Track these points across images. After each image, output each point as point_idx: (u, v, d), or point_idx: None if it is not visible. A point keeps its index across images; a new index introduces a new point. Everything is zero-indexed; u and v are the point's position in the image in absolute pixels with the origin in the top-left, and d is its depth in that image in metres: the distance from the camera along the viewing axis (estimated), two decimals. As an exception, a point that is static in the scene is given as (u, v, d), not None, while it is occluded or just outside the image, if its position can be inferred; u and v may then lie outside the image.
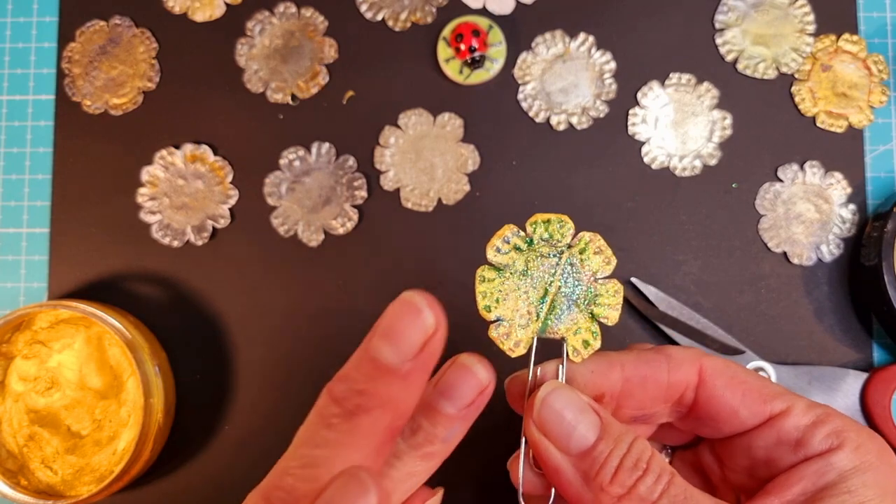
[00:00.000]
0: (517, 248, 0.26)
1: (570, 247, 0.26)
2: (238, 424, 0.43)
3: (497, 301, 0.26)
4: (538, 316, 0.26)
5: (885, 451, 0.26)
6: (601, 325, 0.26)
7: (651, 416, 0.28)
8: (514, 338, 0.26)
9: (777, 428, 0.26)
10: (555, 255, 0.26)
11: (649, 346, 0.29)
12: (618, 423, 0.25)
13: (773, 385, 0.27)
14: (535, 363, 0.26)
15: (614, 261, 0.27)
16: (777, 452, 0.26)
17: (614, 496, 0.23)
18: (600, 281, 0.26)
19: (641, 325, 0.42)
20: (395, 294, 0.45)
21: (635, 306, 0.42)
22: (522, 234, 0.27)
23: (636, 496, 0.23)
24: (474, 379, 0.24)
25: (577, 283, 0.26)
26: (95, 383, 0.41)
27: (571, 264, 0.26)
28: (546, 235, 0.26)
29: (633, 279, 0.42)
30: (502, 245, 0.26)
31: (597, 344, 0.26)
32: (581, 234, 0.27)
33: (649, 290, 0.42)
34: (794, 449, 0.26)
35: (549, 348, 0.27)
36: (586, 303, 0.26)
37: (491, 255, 0.26)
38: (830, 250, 0.43)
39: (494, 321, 0.26)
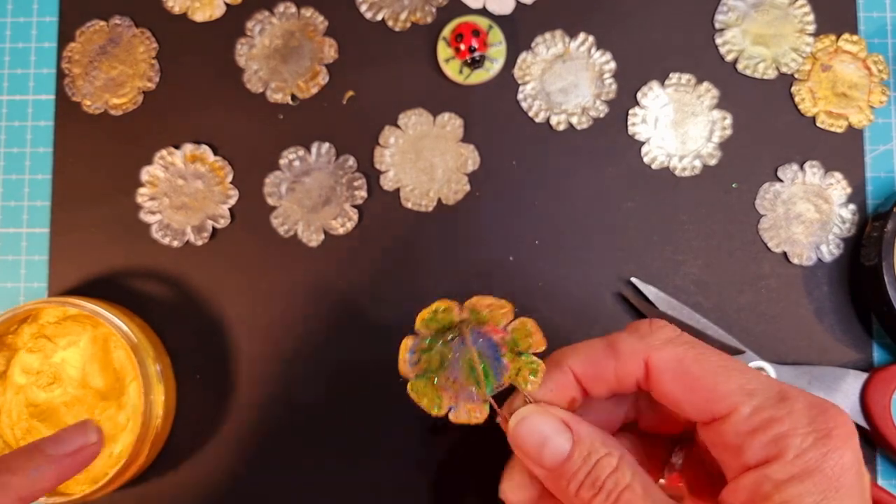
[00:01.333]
0: (424, 351, 0.28)
1: (462, 321, 0.28)
2: (238, 424, 0.43)
3: (439, 398, 0.28)
4: (479, 384, 0.28)
5: (834, 452, 0.24)
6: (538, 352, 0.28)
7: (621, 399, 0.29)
8: (473, 411, 0.28)
9: (719, 432, 0.25)
10: (457, 335, 0.28)
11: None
12: (591, 438, 0.26)
13: (729, 380, 0.25)
14: (501, 408, 0.28)
15: (528, 323, 0.29)
16: (723, 456, 0.25)
17: None
18: (508, 328, 0.28)
19: (641, 325, 0.42)
20: (394, 294, 0.45)
21: (635, 306, 0.42)
22: (420, 338, 0.28)
23: None
24: (82, 436, 0.33)
25: (489, 341, 0.28)
26: (97, 383, 0.41)
27: (475, 332, 0.28)
28: (440, 326, 0.28)
29: (633, 279, 0.42)
30: (411, 357, 0.28)
31: (543, 366, 0.28)
32: (513, 322, 0.29)
33: (649, 290, 0.42)
34: (735, 456, 0.25)
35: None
36: (509, 349, 0.28)
37: (407, 371, 0.28)
38: (830, 250, 0.43)
39: (448, 412, 0.28)
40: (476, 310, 0.28)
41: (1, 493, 0.29)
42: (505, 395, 0.29)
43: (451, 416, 0.28)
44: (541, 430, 0.26)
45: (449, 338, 0.28)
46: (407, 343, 0.28)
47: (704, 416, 0.26)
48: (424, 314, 0.28)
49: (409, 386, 0.28)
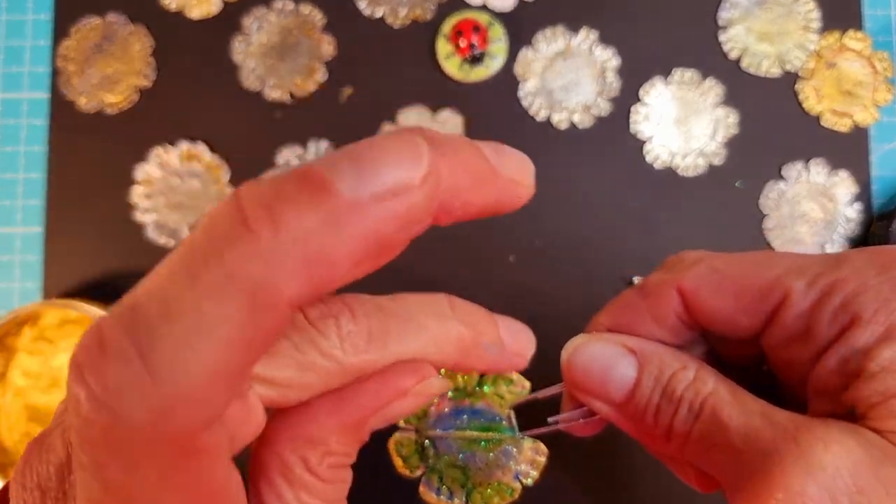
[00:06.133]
0: (441, 480, 0.26)
1: (417, 434, 0.26)
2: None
3: (499, 485, 0.26)
4: (499, 441, 0.25)
5: None
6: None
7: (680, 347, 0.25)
8: (534, 458, 0.26)
9: (782, 325, 0.21)
10: (429, 444, 0.26)
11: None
12: (659, 355, 0.22)
13: (770, 268, 0.21)
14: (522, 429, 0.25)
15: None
16: (793, 353, 0.21)
17: (660, 439, 0.22)
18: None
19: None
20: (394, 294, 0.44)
21: (638, 307, 0.42)
22: (427, 477, 0.26)
23: (676, 435, 0.21)
24: (528, 343, 0.20)
25: (447, 417, 0.26)
26: (92, 386, 0.41)
27: (429, 426, 0.26)
28: (414, 455, 0.26)
29: (636, 278, 0.42)
30: (442, 498, 0.26)
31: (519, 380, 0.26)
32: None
33: (652, 291, 0.42)
34: (805, 344, 0.20)
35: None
36: (464, 397, 0.26)
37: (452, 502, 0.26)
38: (835, 250, 0.42)
39: (521, 482, 0.26)
40: (413, 417, 0.26)
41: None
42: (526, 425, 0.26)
43: (529, 482, 0.26)
44: (599, 358, 0.22)
45: (432, 453, 0.26)
46: (428, 494, 0.26)
47: (761, 316, 0.21)
48: (398, 463, 0.26)
49: None
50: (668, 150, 0.43)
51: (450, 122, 0.44)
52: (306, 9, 0.45)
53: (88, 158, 0.44)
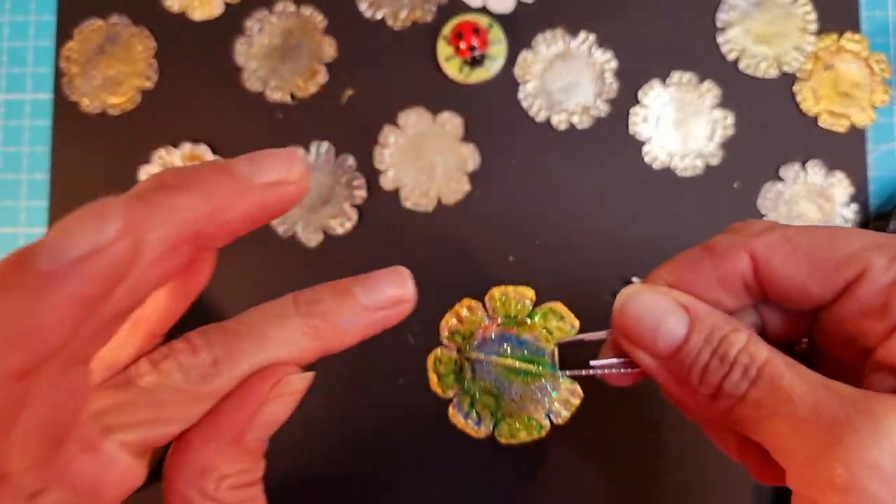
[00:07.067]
0: (472, 405, 0.25)
1: (458, 353, 0.25)
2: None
3: (529, 420, 0.25)
4: (537, 375, 0.25)
5: None
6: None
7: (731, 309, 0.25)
8: (568, 398, 0.25)
9: (855, 298, 0.22)
10: (468, 367, 0.25)
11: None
12: (712, 316, 0.22)
13: (849, 243, 0.22)
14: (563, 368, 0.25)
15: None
16: (865, 324, 0.22)
17: (705, 397, 0.22)
18: (489, 316, 0.25)
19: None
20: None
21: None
22: (458, 402, 0.25)
23: (724, 395, 0.21)
24: (400, 288, 0.22)
25: (492, 342, 0.25)
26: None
27: (472, 349, 0.25)
28: (449, 373, 0.25)
29: (634, 279, 0.42)
30: (469, 422, 0.25)
31: (558, 305, 0.26)
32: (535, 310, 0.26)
33: (650, 291, 0.42)
34: (880, 317, 0.21)
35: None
36: (513, 325, 0.25)
37: (481, 431, 0.25)
38: (833, 250, 0.43)
39: (550, 421, 0.25)
40: (456, 333, 0.25)
41: (317, 342, 0.21)
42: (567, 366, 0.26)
43: (559, 422, 0.25)
44: (652, 310, 0.23)
45: (469, 376, 0.25)
46: (456, 417, 0.25)
47: (835, 287, 0.22)
48: (433, 380, 0.25)
49: (498, 438, 0.25)
50: (667, 150, 0.44)
51: (449, 123, 0.44)
52: (307, 11, 0.45)
53: (92, 159, 0.45)
